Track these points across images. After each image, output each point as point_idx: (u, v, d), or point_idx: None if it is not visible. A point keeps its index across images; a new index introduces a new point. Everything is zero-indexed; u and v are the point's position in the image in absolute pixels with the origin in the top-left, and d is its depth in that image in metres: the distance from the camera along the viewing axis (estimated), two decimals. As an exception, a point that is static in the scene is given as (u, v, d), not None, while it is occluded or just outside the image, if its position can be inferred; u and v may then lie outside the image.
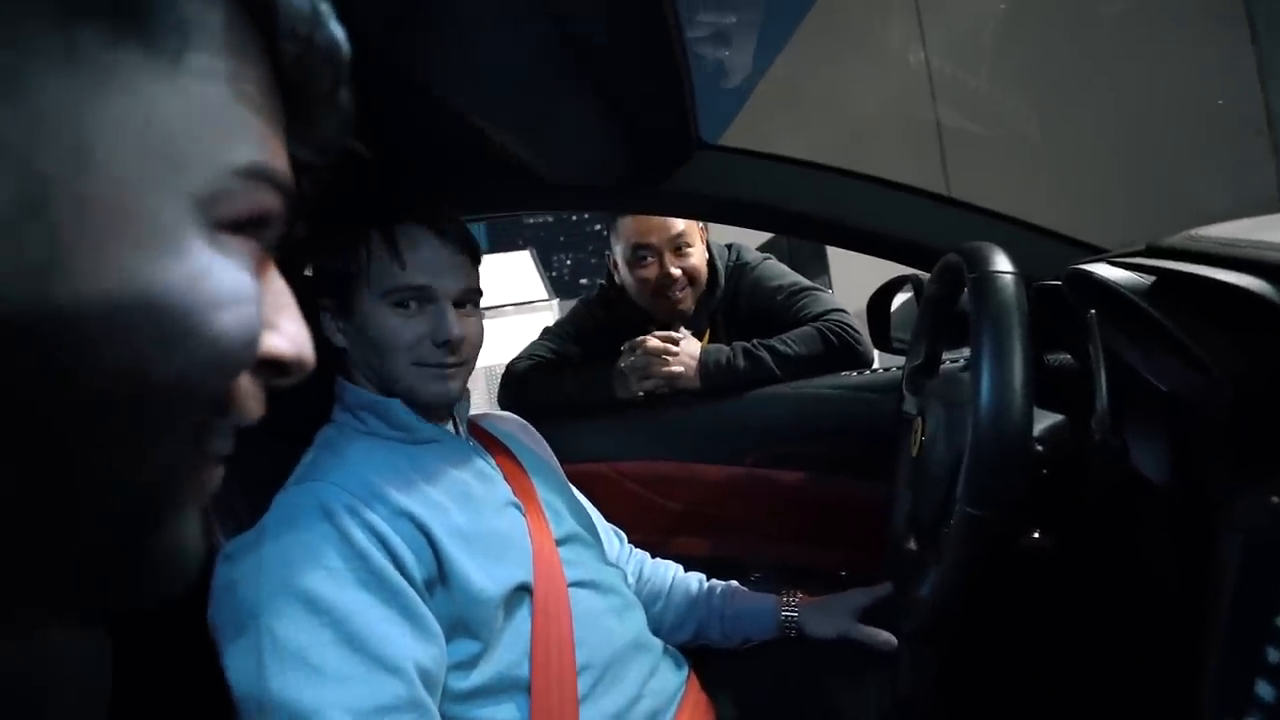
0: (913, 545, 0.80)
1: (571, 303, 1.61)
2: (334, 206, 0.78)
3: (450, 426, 0.81)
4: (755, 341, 1.23)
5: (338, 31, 0.27)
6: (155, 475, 0.24)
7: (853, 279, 1.41)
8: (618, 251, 1.36)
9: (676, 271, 1.31)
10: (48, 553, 0.23)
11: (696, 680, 0.83)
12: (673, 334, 1.24)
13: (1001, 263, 0.58)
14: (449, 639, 0.63)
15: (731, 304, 1.39)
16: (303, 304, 0.29)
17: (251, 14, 0.25)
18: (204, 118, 0.23)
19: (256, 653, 0.54)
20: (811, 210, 0.97)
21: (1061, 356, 0.73)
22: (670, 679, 0.78)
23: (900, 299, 1.05)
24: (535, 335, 1.47)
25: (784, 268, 1.42)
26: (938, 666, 0.79)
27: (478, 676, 0.64)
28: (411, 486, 0.68)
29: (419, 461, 0.72)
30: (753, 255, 1.44)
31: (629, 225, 1.32)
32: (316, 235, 0.76)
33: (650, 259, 1.32)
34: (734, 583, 1.00)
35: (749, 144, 0.99)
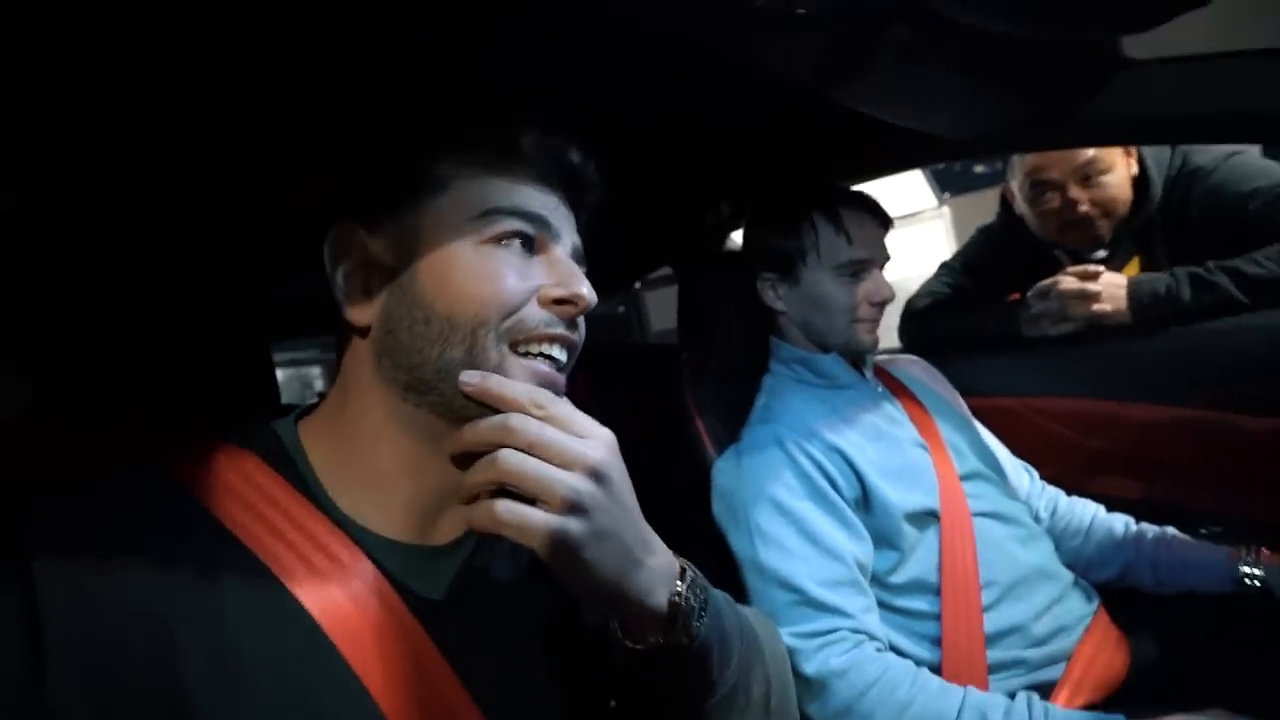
0: None
1: (965, 198, 1.53)
2: (778, 193, 0.95)
3: (864, 374, 0.97)
4: (1210, 264, 1.04)
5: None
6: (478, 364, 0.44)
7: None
8: (1014, 184, 1.26)
9: (1084, 206, 1.16)
10: None
11: (1106, 615, 0.86)
12: (1090, 268, 1.12)
13: None
14: (876, 548, 0.83)
15: (1177, 221, 1.17)
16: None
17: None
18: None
19: (749, 536, 0.82)
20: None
21: None
22: (1076, 607, 0.85)
23: None
24: (921, 250, 1.44)
25: (1264, 163, 1.12)
26: None
27: (898, 578, 0.83)
28: (837, 427, 0.88)
29: (840, 406, 0.91)
30: (1207, 157, 1.15)
31: (1024, 155, 1.21)
32: (761, 219, 0.95)
33: (1051, 193, 1.19)
34: (1170, 529, 0.95)
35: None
